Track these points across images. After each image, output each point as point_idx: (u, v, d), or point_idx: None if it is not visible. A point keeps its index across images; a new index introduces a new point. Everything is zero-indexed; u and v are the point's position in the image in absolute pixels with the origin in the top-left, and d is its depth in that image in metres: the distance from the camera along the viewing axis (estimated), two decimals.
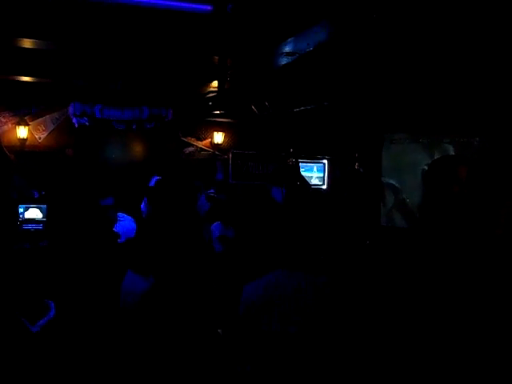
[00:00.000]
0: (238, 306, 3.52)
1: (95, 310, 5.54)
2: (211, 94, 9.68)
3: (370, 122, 10.24)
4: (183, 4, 5.87)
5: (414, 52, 6.63)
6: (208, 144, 11.97)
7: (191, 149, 11.88)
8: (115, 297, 5.14)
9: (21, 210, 10.08)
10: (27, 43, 6.98)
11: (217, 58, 7.37)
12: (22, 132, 10.63)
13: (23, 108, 10.83)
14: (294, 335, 3.26)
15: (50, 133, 11.05)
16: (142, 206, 8.21)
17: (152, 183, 9.85)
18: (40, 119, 10.97)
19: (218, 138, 11.86)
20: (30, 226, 10.05)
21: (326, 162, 12.34)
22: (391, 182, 10.53)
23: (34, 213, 10.14)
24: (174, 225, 6.96)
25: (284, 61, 7.02)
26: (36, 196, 10.63)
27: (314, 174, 12.46)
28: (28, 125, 10.70)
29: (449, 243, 3.39)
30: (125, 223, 8.25)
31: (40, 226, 10.07)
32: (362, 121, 10.26)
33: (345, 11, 5.20)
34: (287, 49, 6.37)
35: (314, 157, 12.15)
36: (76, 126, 10.98)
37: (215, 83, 8.92)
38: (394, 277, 3.69)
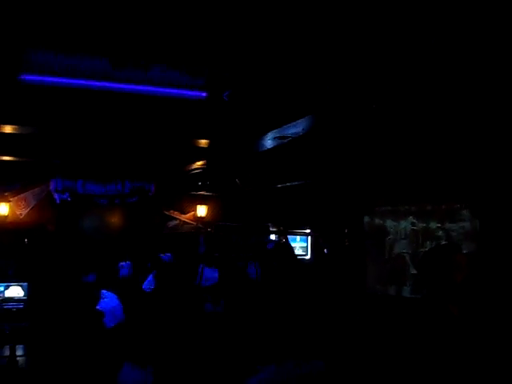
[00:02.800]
0: None
1: None
2: (196, 171, 9.70)
3: (353, 196, 10.35)
4: (178, 90, 5.92)
5: (392, 131, 6.83)
6: (191, 217, 11.90)
7: (174, 222, 11.81)
8: None
9: (1, 288, 9.82)
10: (8, 129, 6.97)
11: (206, 141, 7.42)
12: (3, 208, 10.46)
13: (4, 185, 10.67)
14: None
15: (31, 208, 10.87)
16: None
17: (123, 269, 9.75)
18: (21, 195, 10.81)
19: (202, 211, 11.80)
20: (10, 305, 9.75)
21: (309, 233, 12.36)
22: (374, 251, 10.64)
23: (14, 291, 9.88)
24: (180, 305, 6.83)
25: (275, 143, 7.09)
26: (10, 273, 10.38)
27: (298, 244, 12.44)
28: (9, 201, 10.53)
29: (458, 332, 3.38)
30: (108, 301, 8.08)
31: (21, 305, 9.80)
32: (346, 195, 10.35)
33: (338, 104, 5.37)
34: (282, 133, 6.45)
35: (297, 228, 12.16)
36: (57, 201, 10.85)
37: (200, 162, 8.98)
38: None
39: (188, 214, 11.94)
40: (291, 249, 9.70)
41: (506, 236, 8.23)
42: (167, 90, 5.82)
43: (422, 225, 10.11)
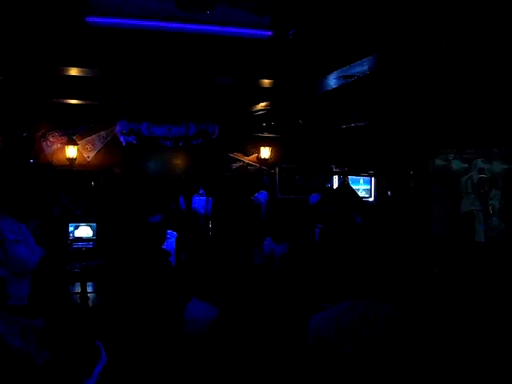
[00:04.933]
0: (304, 333, 3.49)
1: (156, 340, 5.43)
2: (260, 112, 9.65)
3: (419, 138, 10.17)
4: (242, 30, 5.86)
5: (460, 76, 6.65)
6: (255, 159, 11.94)
7: (238, 164, 11.86)
8: (178, 324, 5.05)
9: (71, 228, 10.10)
10: (74, 71, 7.04)
11: (270, 81, 7.35)
12: (71, 151, 10.70)
13: (72, 128, 10.87)
14: (363, 365, 3.24)
15: (98, 151, 11.09)
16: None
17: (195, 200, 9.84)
18: (88, 138, 11.03)
19: (265, 152, 11.81)
20: (80, 245, 10.05)
21: (373, 174, 12.21)
22: (439, 194, 10.50)
23: (84, 231, 10.16)
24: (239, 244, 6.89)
25: (339, 82, 6.97)
26: (78, 213, 10.63)
27: (361, 186, 12.35)
28: (77, 144, 10.75)
29: None
30: (173, 240, 8.22)
31: (90, 245, 10.07)
32: (411, 137, 10.18)
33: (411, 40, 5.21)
34: (347, 72, 6.33)
35: (361, 170, 12.03)
36: (123, 144, 11.02)
37: (264, 103, 8.92)
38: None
39: (251, 156, 11.97)
40: (354, 190, 9.61)
41: None
42: (232, 30, 5.76)
43: (488, 168, 9.92)
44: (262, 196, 9.67)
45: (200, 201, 10.59)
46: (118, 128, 10.96)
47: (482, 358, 3.79)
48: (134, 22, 5.66)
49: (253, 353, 4.76)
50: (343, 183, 10.46)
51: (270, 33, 5.82)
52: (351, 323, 3.34)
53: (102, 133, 11.12)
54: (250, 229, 7.70)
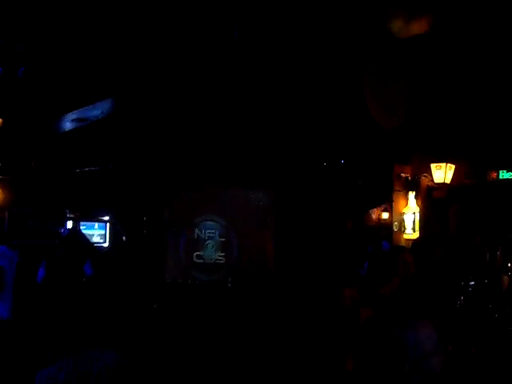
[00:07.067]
0: None
1: None
2: None
3: (154, 183, 10.37)
4: None
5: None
6: None
7: None
8: None
9: None
10: None
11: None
12: None
13: None
14: None
15: None
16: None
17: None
18: None
19: None
20: None
21: (108, 220, 12.14)
22: (173, 240, 10.71)
23: None
24: None
25: (73, 125, 6.89)
26: None
27: (96, 231, 12.20)
28: None
29: None
30: None
31: None
32: (146, 182, 10.35)
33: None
34: (80, 115, 6.28)
35: (96, 215, 11.91)
36: None
37: None
38: None
39: None
40: (85, 236, 9.41)
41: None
42: None
43: (220, 214, 10.38)
44: None
45: None
46: None
47: None
48: None
49: None
50: (73, 229, 10.21)
51: None
52: (74, 376, 3.26)
53: None
54: None
